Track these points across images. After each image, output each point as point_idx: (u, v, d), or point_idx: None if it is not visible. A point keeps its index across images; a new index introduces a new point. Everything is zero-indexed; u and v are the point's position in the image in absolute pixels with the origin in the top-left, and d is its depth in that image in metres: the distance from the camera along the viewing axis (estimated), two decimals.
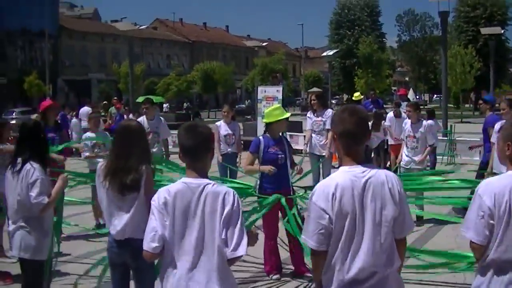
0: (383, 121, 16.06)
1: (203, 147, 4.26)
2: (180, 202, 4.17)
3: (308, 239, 4.04)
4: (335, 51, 68.39)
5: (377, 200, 3.99)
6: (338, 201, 3.92)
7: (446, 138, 21.67)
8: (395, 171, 10.88)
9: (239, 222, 4.17)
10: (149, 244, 4.23)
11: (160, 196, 4.22)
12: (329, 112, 13.23)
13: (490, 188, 4.21)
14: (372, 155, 19.63)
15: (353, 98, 20.81)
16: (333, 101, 37.74)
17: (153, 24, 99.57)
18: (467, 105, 60.58)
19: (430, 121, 16.65)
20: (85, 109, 22.58)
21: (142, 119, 12.57)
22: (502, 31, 47.00)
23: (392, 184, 4.04)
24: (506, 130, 4.50)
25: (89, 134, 11.47)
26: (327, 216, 3.93)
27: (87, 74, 77.21)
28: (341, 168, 4.09)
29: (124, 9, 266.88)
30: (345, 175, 4.01)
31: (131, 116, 26.46)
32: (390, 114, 16.48)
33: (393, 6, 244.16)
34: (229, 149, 12.78)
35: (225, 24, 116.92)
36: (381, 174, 4.06)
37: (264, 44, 74.55)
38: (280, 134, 8.74)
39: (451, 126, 23.34)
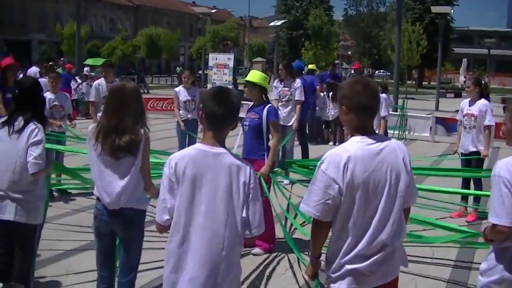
0: None
1: (230, 118, 4.01)
2: (191, 170, 3.92)
3: (310, 209, 3.89)
4: (282, 21, 68.05)
5: (393, 171, 3.89)
6: (350, 171, 3.78)
7: (397, 113, 21.73)
8: None
9: (258, 199, 4.01)
10: (161, 216, 4.02)
11: (171, 162, 3.97)
12: (298, 82, 12.89)
13: (507, 165, 4.06)
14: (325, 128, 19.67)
15: (308, 68, 20.65)
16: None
17: None
18: (409, 82, 61.27)
19: (383, 95, 16.72)
20: (33, 69, 21.82)
21: (101, 82, 12.18)
22: (452, 11, 47.41)
23: (403, 152, 3.98)
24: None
25: (48, 94, 10.86)
26: (337, 186, 3.80)
27: (27, 35, 75.10)
28: (352, 138, 3.94)
29: None
30: (357, 145, 3.88)
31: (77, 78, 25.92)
32: None
33: None
34: (189, 115, 12.54)
35: None
36: (392, 143, 3.98)
37: (213, 11, 73.69)
38: (265, 101, 8.34)
39: (403, 101, 23.44)
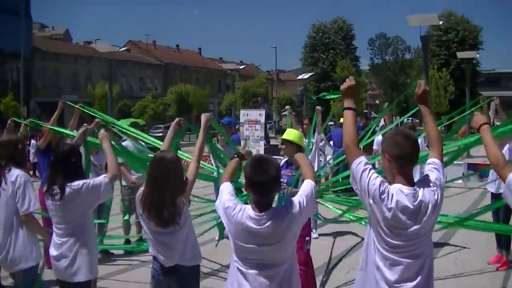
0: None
1: (270, 185, 4.37)
2: (242, 230, 4.36)
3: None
4: (310, 74, 68.53)
5: (429, 219, 4.21)
6: (392, 211, 4.14)
7: None
8: None
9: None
10: None
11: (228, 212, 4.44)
12: (320, 137, 13.10)
13: None
14: None
15: (340, 121, 20.97)
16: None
17: (126, 46, 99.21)
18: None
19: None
20: None
21: (128, 143, 12.05)
22: (478, 55, 47.40)
23: (438, 199, 4.28)
24: None
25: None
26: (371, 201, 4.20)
27: (60, 96, 76.34)
28: (396, 185, 4.26)
29: (96, 30, 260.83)
30: (401, 196, 4.19)
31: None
32: (379, 137, 16.47)
33: (365, 30, 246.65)
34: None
35: (197, 47, 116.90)
36: (428, 193, 4.26)
37: (242, 67, 74.43)
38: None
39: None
